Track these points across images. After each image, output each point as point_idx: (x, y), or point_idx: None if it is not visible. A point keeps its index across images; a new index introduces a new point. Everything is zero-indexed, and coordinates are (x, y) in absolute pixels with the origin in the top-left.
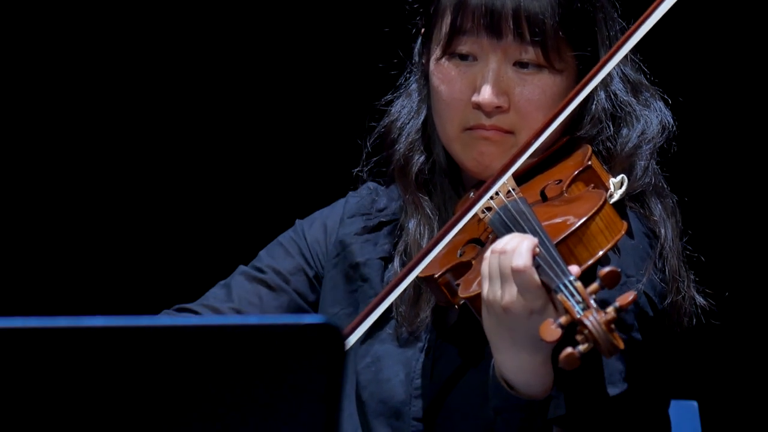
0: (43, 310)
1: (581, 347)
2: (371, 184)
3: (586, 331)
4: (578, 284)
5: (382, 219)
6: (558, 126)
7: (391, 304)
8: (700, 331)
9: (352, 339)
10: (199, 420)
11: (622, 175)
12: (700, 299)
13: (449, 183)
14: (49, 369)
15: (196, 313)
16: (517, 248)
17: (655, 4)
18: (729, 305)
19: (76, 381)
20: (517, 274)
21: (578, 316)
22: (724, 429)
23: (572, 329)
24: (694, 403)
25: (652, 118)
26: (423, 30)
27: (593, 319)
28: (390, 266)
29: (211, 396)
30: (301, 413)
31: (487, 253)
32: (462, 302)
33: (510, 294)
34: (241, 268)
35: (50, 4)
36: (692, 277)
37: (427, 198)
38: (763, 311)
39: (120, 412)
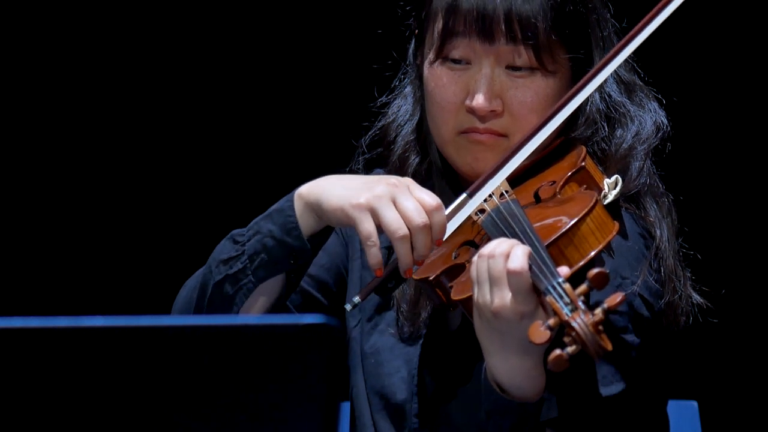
0: (43, 310)
1: (569, 349)
2: (379, 171)
3: (573, 333)
4: (567, 286)
5: None
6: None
7: (392, 300)
8: (698, 330)
9: (453, 225)
10: (200, 420)
11: (616, 175)
12: (697, 297)
13: (446, 184)
14: (49, 369)
15: None
16: (511, 252)
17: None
18: (726, 303)
19: (76, 381)
20: (513, 276)
21: (566, 318)
22: (724, 429)
23: (562, 331)
24: (694, 403)
25: (647, 118)
26: (416, 32)
27: (581, 321)
28: (393, 256)
29: (212, 396)
30: (301, 413)
31: (475, 257)
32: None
33: (500, 298)
34: None
35: (50, 4)
36: (689, 275)
37: None
38: (761, 308)
39: (120, 412)
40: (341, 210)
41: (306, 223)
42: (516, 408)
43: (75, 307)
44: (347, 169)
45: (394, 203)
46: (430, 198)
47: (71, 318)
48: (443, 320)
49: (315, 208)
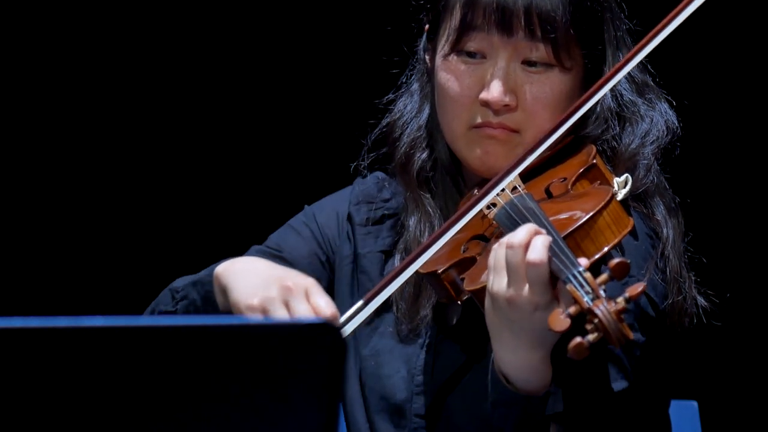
0: (43, 310)
1: (590, 337)
2: (379, 174)
3: (596, 320)
4: (587, 275)
5: (385, 211)
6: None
7: (391, 300)
8: (700, 332)
9: (348, 329)
10: (200, 420)
11: (626, 174)
12: (701, 300)
13: (450, 181)
14: (49, 369)
15: None
16: (532, 242)
17: (670, 16)
18: (730, 306)
19: (76, 381)
20: (532, 267)
21: (588, 306)
22: (724, 429)
23: (579, 321)
24: (694, 403)
25: (657, 118)
26: (428, 26)
27: (603, 309)
28: (390, 261)
29: (212, 396)
30: (301, 413)
31: (495, 246)
32: (466, 297)
33: (516, 287)
34: (255, 247)
35: (50, 4)
36: (693, 277)
37: (428, 196)
38: (764, 312)
39: (120, 412)
40: (237, 306)
41: (221, 301)
42: (522, 401)
43: (75, 307)
44: (352, 167)
45: (287, 307)
46: (327, 306)
47: (71, 318)
48: (442, 317)
49: (224, 292)
